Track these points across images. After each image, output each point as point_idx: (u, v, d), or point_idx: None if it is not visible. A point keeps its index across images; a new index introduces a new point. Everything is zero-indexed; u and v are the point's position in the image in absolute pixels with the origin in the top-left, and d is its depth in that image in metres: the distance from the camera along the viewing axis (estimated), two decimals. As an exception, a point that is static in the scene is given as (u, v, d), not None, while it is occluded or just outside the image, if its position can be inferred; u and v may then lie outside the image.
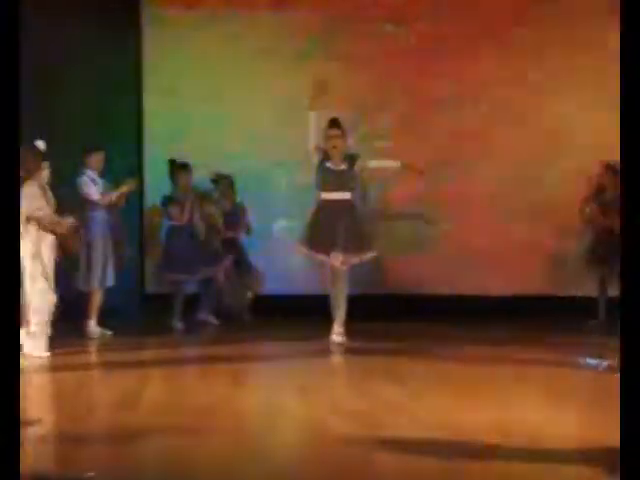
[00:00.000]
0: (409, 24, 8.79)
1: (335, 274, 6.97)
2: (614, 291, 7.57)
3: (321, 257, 7.01)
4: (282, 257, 8.43)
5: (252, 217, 8.35)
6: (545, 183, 8.69)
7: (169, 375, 5.69)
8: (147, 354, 6.75)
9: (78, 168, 7.36)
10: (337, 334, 6.99)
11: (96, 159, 7.36)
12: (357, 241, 6.98)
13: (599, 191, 7.95)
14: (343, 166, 7.01)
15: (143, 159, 8.64)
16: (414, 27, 8.80)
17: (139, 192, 7.91)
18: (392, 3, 8.78)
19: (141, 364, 6.16)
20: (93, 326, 7.34)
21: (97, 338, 7.25)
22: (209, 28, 8.69)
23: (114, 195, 7.33)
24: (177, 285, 7.95)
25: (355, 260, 6.99)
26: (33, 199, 6.10)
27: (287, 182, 8.71)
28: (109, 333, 7.36)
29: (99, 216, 7.33)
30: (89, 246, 7.27)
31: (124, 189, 7.38)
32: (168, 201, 7.91)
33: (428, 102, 8.74)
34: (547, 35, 8.72)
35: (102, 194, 7.29)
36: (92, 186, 7.29)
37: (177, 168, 7.90)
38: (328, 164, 7.02)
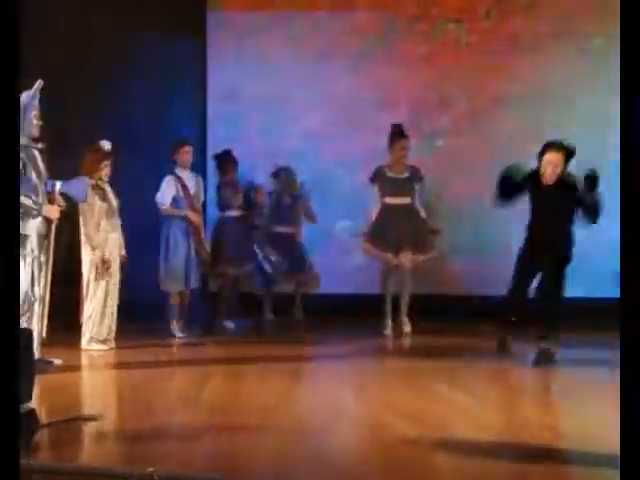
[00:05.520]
0: (470, 23, 8.78)
1: (401, 273, 7.39)
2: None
3: (388, 257, 7.35)
4: (344, 256, 8.47)
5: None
6: (612, 185, 8.60)
7: (227, 374, 5.71)
8: (206, 353, 6.78)
9: (150, 166, 7.56)
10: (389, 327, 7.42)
11: (182, 153, 7.37)
12: (423, 241, 7.37)
13: None
14: (405, 174, 7.38)
15: (207, 161, 8.66)
16: (476, 25, 8.78)
17: (204, 192, 7.90)
18: (452, 2, 8.80)
19: (200, 363, 6.20)
20: (178, 325, 7.40)
21: (185, 337, 7.32)
22: (271, 30, 8.77)
23: (180, 213, 7.33)
24: (225, 279, 7.96)
25: (421, 259, 7.38)
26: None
27: (348, 182, 8.69)
28: (197, 332, 7.45)
29: (178, 217, 7.36)
30: (169, 247, 7.30)
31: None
32: (219, 187, 7.94)
33: (489, 101, 8.71)
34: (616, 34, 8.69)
35: (171, 206, 7.31)
36: (170, 190, 7.31)
37: (222, 158, 7.94)
38: (390, 173, 7.38)
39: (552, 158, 5.76)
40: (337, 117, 8.64)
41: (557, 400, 5.00)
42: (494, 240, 8.54)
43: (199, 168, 8.14)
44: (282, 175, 8.32)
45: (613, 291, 7.36)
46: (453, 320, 7.97)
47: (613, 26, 8.65)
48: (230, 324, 7.95)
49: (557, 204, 5.81)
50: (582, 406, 4.70)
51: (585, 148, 8.52)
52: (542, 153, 5.84)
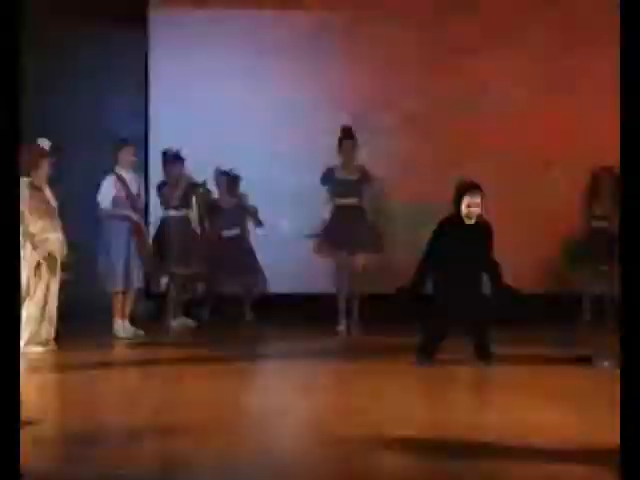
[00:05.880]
0: (416, 23, 8.74)
1: (354, 273, 7.65)
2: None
3: (341, 257, 7.63)
4: (288, 257, 8.41)
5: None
6: (547, 183, 8.62)
7: (170, 375, 5.69)
8: (150, 354, 6.67)
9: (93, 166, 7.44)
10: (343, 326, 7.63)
11: (124, 153, 7.33)
12: (374, 241, 7.67)
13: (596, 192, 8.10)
14: (355, 176, 7.63)
15: (149, 159, 8.61)
16: (421, 26, 8.74)
17: (145, 192, 7.85)
18: (397, 3, 8.77)
19: (144, 364, 6.15)
20: (122, 325, 7.33)
21: (129, 338, 7.24)
22: (215, 28, 8.68)
23: (121, 212, 7.27)
24: (172, 279, 7.90)
25: (373, 259, 7.67)
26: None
27: (293, 181, 8.59)
28: (141, 332, 7.37)
29: (118, 216, 7.30)
30: (109, 246, 7.26)
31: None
32: (162, 185, 7.89)
33: (434, 101, 8.73)
34: (551, 35, 8.74)
35: (112, 206, 7.25)
36: (111, 189, 7.25)
37: (169, 158, 7.88)
38: (340, 175, 7.62)
39: (476, 200, 6.03)
40: (283, 116, 8.58)
41: (502, 397, 5.06)
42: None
43: (141, 167, 8.08)
44: (222, 179, 8.24)
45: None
46: (403, 319, 7.77)
47: (555, 27, 8.71)
48: (175, 324, 7.89)
49: (479, 240, 6.10)
50: (522, 403, 4.80)
51: (518, 144, 8.60)
52: (462, 195, 6.05)
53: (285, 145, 8.60)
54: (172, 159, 7.87)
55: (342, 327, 7.64)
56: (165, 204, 7.90)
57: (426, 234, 8.31)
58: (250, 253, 8.32)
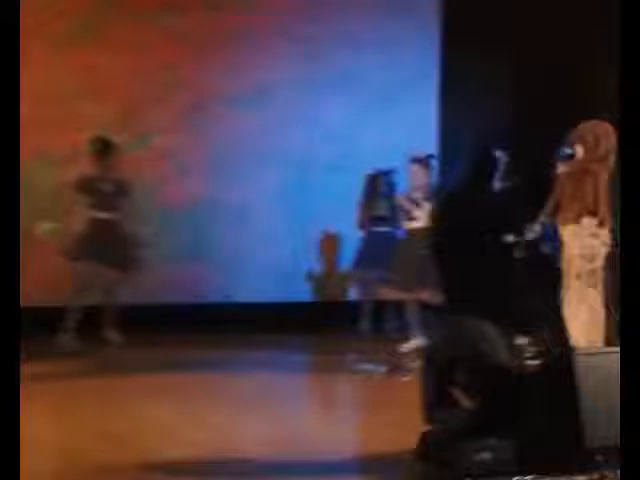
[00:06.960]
0: (192, 14, 8.15)
1: (105, 286, 7.31)
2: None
3: (88, 270, 7.15)
4: (45, 260, 7.53)
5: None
6: (331, 186, 8.29)
7: None
8: None
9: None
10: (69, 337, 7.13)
11: None
12: (126, 257, 7.28)
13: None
14: (112, 187, 7.18)
15: None
16: (198, 18, 8.16)
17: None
18: None
19: None
20: None
21: None
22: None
23: None
24: None
25: (123, 277, 7.29)
26: None
27: (51, 179, 7.71)
28: None
29: None
30: None
31: None
32: None
33: (210, 98, 8.19)
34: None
35: None
36: None
37: None
38: (95, 185, 7.16)
39: None
40: (39, 106, 7.52)
41: (274, 409, 5.00)
42: (215, 243, 8.21)
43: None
44: None
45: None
46: (170, 331, 7.35)
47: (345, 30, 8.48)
48: None
49: None
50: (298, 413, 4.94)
51: (298, 146, 8.36)
52: None
53: (43, 138, 7.61)
54: None
55: (68, 346, 7.05)
56: None
57: (199, 239, 8.08)
58: None
